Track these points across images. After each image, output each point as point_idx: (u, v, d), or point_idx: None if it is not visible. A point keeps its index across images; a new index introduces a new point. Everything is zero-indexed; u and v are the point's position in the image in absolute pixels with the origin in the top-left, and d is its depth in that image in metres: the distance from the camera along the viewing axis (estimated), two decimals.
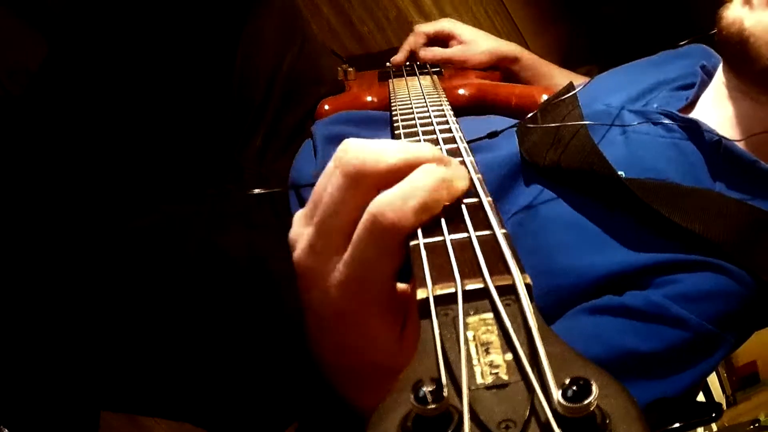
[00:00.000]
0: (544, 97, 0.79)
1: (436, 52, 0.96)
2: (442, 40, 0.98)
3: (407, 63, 0.98)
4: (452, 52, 0.95)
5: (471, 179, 0.31)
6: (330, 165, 0.30)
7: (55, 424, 0.66)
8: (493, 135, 0.63)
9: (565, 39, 0.96)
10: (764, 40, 0.63)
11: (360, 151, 0.29)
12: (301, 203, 0.73)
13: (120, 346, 0.65)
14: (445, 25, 0.98)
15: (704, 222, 0.59)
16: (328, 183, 0.29)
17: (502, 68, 0.97)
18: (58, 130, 0.69)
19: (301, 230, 0.31)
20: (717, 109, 0.71)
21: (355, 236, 0.28)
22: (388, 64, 1.00)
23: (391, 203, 0.27)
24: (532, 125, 0.68)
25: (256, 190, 0.69)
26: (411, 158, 0.29)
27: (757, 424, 1.64)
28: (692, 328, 0.56)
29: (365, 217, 0.28)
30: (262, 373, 0.68)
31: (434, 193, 0.28)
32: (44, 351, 0.63)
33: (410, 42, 1.00)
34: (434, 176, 0.28)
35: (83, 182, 0.69)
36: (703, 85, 0.74)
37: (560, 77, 0.95)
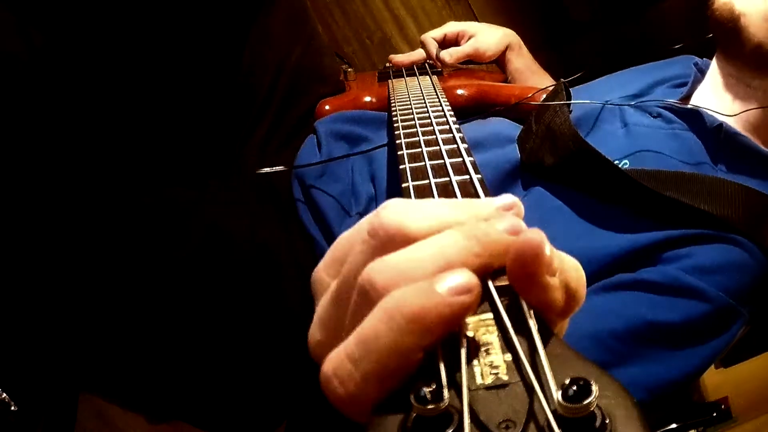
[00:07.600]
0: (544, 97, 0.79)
1: (455, 52, 0.95)
2: (450, 42, 0.98)
3: None
4: (469, 47, 0.95)
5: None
6: (363, 223, 0.26)
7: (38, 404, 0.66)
8: (486, 115, 0.63)
9: (546, 66, 0.99)
10: (755, 18, 0.64)
11: (393, 217, 0.26)
12: (305, 193, 0.74)
13: (116, 337, 0.65)
14: (451, 27, 0.98)
15: (712, 203, 0.58)
16: (356, 242, 0.26)
17: (501, 60, 0.97)
18: (61, 118, 0.69)
19: (323, 277, 0.28)
20: (712, 99, 0.72)
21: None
22: (388, 64, 1.00)
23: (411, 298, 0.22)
24: (529, 117, 0.69)
25: (266, 170, 0.68)
26: (437, 226, 0.25)
27: None
28: (711, 300, 0.55)
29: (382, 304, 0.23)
30: (257, 371, 0.68)
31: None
32: (39, 337, 0.63)
33: (420, 52, 0.99)
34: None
35: (88, 171, 0.69)
36: (697, 81, 0.76)
37: (547, 82, 0.95)
